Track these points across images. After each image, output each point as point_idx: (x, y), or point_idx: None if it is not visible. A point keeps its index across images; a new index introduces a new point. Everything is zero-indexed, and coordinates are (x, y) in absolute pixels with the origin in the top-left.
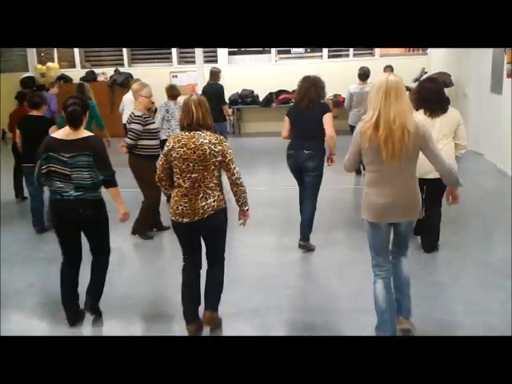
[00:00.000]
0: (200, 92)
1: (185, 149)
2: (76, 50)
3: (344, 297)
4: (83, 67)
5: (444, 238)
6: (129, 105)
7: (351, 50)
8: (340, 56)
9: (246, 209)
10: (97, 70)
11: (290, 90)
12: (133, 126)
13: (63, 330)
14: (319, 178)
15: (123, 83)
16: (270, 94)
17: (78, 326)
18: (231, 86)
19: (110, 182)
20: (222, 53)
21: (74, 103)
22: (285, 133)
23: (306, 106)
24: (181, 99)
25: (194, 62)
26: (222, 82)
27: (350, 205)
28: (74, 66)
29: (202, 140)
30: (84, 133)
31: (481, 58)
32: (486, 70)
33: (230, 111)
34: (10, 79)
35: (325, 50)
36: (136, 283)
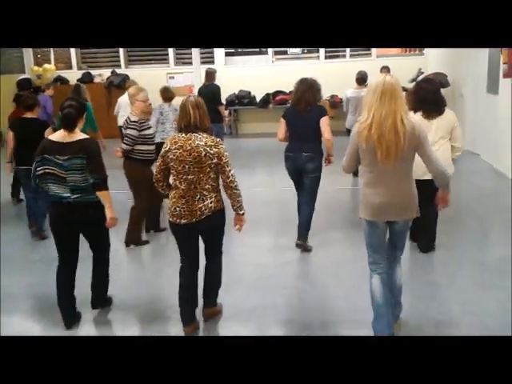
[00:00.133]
0: (196, 93)
1: (181, 150)
2: (72, 52)
3: (341, 297)
4: (80, 69)
5: (440, 238)
6: (125, 107)
7: (348, 50)
8: (337, 57)
9: (241, 213)
10: (93, 72)
11: (287, 91)
12: (128, 131)
13: (59, 332)
14: (318, 180)
15: (120, 85)
16: (267, 94)
17: (74, 328)
18: (228, 87)
19: (100, 185)
20: (219, 54)
21: (70, 105)
22: (281, 135)
23: (304, 109)
24: (175, 101)
25: (190, 63)
26: (218, 82)
27: (347, 205)
28: (70, 68)
29: (197, 142)
30: (79, 135)
31: (477, 59)
32: (482, 71)
33: (226, 112)
34: (6, 81)
35: (321, 51)
36: (132, 285)
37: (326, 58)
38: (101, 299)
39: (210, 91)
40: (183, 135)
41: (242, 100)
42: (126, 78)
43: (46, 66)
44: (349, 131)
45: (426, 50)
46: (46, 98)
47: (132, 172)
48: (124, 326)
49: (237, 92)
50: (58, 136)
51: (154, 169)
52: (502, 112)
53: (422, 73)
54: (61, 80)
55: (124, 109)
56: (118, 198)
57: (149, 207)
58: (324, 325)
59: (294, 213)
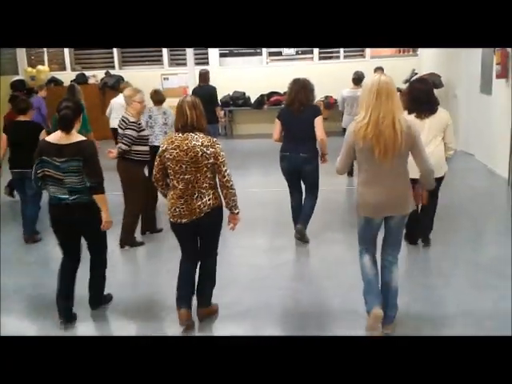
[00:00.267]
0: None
1: (177, 150)
2: (66, 53)
3: (336, 297)
4: (73, 70)
5: (435, 237)
6: (118, 109)
7: (342, 51)
8: (331, 58)
9: (236, 212)
10: (87, 73)
11: (282, 92)
12: (128, 131)
13: (54, 332)
14: (317, 177)
15: (114, 86)
16: (262, 95)
17: (70, 328)
18: (223, 88)
19: (96, 189)
20: (213, 55)
21: (66, 107)
22: (276, 135)
23: (298, 109)
24: (165, 104)
25: (185, 65)
26: (213, 83)
27: (343, 206)
28: (64, 69)
29: (194, 142)
30: (76, 137)
31: (470, 59)
32: (476, 71)
33: (222, 113)
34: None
35: (315, 52)
36: (129, 286)
37: (320, 58)
38: (98, 299)
39: (206, 92)
40: (180, 135)
41: (237, 101)
42: (120, 79)
43: (40, 67)
44: (345, 130)
45: (420, 51)
46: (40, 100)
47: (127, 173)
48: (120, 326)
49: (231, 93)
50: (55, 137)
51: (147, 171)
52: (495, 112)
53: (416, 73)
54: (55, 81)
55: (116, 111)
56: (112, 200)
57: (144, 208)
58: (319, 325)
59: (290, 214)
